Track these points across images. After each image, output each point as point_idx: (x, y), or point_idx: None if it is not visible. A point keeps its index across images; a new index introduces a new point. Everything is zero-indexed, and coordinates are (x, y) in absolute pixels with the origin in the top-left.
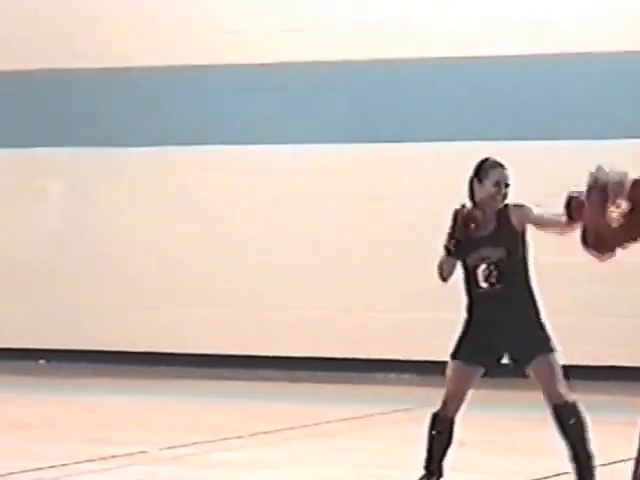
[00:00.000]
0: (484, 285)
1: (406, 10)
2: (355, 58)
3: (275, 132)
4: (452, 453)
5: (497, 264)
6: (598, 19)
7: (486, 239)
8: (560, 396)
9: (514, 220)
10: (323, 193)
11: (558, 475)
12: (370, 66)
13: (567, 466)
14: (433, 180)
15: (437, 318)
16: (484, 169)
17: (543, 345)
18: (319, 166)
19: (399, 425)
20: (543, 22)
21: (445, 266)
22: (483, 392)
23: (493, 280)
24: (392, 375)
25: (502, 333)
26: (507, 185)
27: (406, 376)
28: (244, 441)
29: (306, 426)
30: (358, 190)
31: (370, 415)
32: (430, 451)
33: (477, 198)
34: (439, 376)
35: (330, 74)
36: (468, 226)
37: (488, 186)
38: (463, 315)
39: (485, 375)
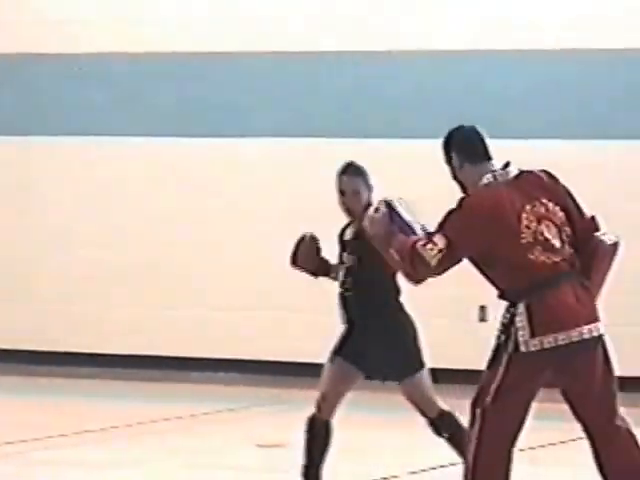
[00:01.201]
0: (340, 289)
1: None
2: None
3: (101, 123)
4: (273, 454)
5: (349, 270)
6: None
7: (348, 243)
8: (434, 409)
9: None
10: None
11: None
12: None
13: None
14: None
15: (266, 318)
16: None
17: (409, 365)
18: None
19: (224, 425)
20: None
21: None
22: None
23: (348, 286)
24: (219, 374)
25: (368, 345)
26: (354, 193)
27: (231, 375)
28: (68, 440)
29: (131, 425)
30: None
31: (194, 415)
32: (309, 456)
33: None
34: (266, 376)
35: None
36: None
37: (338, 196)
38: (300, 314)
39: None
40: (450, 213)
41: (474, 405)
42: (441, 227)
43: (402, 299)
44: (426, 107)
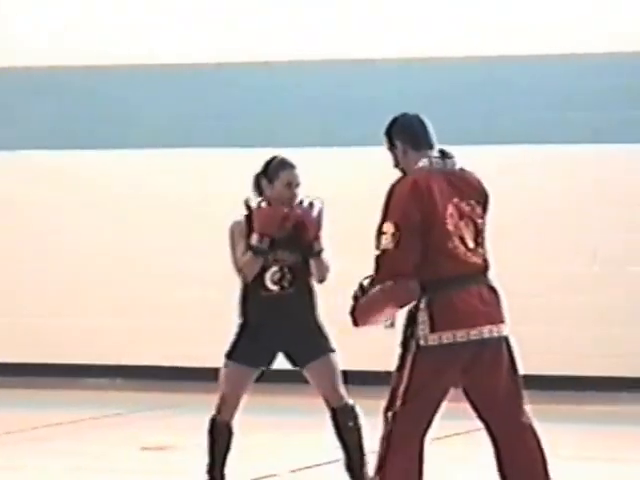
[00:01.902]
0: (273, 288)
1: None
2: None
3: None
4: (158, 456)
5: (291, 268)
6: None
7: (283, 241)
8: (339, 399)
9: (316, 212)
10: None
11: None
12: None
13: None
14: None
15: (151, 324)
16: (273, 169)
17: (322, 346)
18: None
19: (108, 429)
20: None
21: (252, 267)
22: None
23: (285, 284)
24: (103, 380)
25: (282, 335)
26: (297, 185)
27: (117, 381)
28: None
29: (10, 432)
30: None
31: (81, 420)
32: (212, 457)
33: (266, 197)
34: (150, 381)
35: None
36: (284, 225)
37: (278, 187)
38: (183, 321)
39: (259, 379)
40: (386, 202)
41: (386, 409)
42: (385, 215)
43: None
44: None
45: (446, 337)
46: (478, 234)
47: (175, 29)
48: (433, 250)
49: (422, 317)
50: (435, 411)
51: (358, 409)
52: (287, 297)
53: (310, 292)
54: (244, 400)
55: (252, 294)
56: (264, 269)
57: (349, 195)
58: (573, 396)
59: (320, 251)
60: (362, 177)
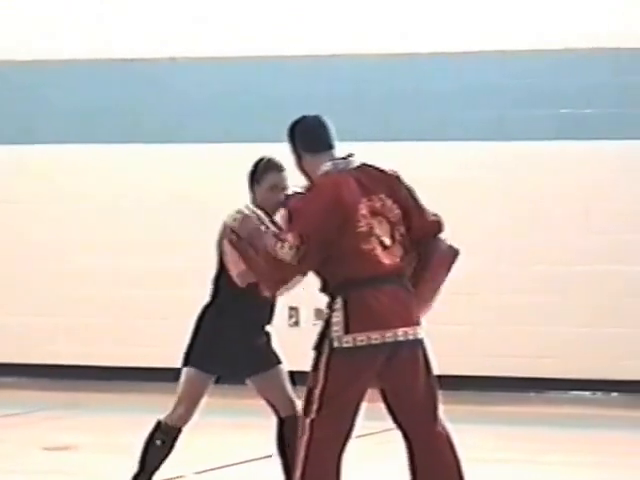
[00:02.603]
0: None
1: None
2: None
3: None
4: (60, 456)
5: None
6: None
7: None
8: (291, 408)
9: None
10: None
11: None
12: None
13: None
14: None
15: (58, 323)
16: (260, 170)
17: (276, 356)
18: None
19: (11, 429)
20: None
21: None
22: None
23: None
24: (8, 379)
25: (243, 342)
26: (284, 189)
27: (21, 379)
28: None
29: None
30: None
31: None
32: (144, 461)
33: (256, 201)
34: (55, 380)
35: None
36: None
37: (263, 190)
38: (92, 319)
39: (217, 382)
40: (295, 209)
41: (304, 413)
42: (290, 224)
43: None
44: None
45: (360, 339)
46: (394, 229)
47: (81, 25)
48: (347, 252)
49: (336, 318)
50: (354, 414)
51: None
52: (267, 302)
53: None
54: (145, 399)
55: (237, 300)
56: None
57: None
58: (480, 396)
59: None
60: None
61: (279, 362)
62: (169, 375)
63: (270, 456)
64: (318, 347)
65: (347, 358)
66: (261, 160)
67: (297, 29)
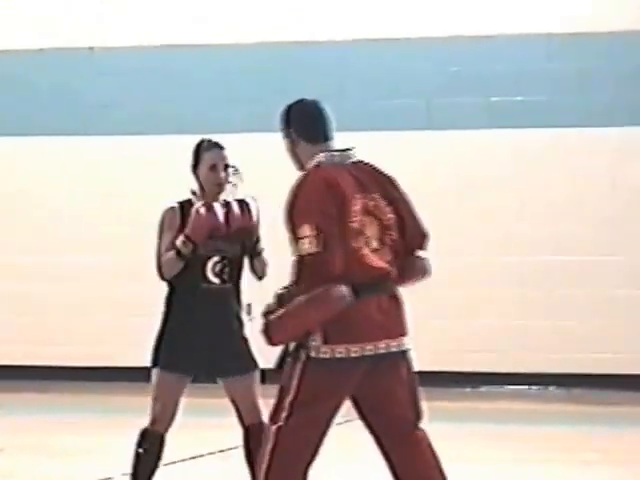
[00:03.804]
0: (214, 280)
1: None
2: None
3: None
4: None
5: (231, 260)
6: None
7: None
8: (256, 416)
9: (255, 215)
10: None
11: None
12: None
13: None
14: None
15: None
16: (197, 152)
17: (251, 360)
18: None
19: None
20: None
21: (171, 267)
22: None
23: (225, 277)
24: None
25: (213, 336)
26: (227, 167)
27: None
28: None
29: None
30: None
31: None
32: (135, 472)
33: (200, 186)
34: None
35: None
36: (215, 235)
37: (203, 170)
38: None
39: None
40: (293, 206)
41: (272, 420)
42: (296, 221)
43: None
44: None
45: (339, 351)
46: (384, 233)
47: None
48: (343, 244)
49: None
50: (326, 427)
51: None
52: (225, 292)
53: (240, 291)
54: (67, 399)
55: (187, 287)
56: (205, 258)
57: None
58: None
59: (262, 251)
60: None
61: (255, 367)
62: (99, 374)
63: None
64: (294, 353)
65: (324, 369)
66: (200, 143)
67: (267, 16)
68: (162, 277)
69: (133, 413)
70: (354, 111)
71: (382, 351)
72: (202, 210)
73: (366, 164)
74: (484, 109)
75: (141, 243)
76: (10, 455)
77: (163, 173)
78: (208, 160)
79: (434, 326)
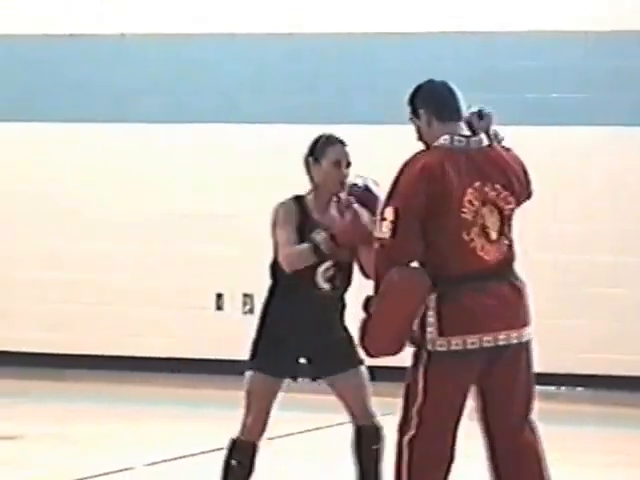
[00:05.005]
0: (324, 286)
1: None
2: None
3: None
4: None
5: (342, 265)
6: None
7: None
8: (369, 417)
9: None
10: None
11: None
12: None
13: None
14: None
15: None
16: (319, 146)
17: (355, 356)
18: None
19: None
20: None
21: (302, 261)
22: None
23: (337, 283)
24: None
25: (315, 340)
26: (349, 164)
27: None
28: None
29: None
30: None
31: None
32: None
33: (317, 181)
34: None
35: None
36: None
37: (326, 166)
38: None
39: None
40: (393, 184)
41: (400, 431)
42: (388, 198)
43: None
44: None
45: (455, 343)
46: (504, 223)
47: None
48: (445, 242)
49: (430, 318)
50: (456, 427)
51: (384, 433)
52: (334, 298)
53: (344, 292)
54: (90, 388)
55: (293, 290)
56: (318, 264)
57: None
58: None
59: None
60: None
61: (360, 363)
62: (113, 363)
63: (221, 449)
64: (415, 354)
65: (444, 366)
66: (319, 137)
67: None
68: (284, 270)
69: (155, 403)
70: (383, 104)
71: (502, 343)
72: (349, 215)
73: (496, 152)
74: (518, 106)
75: (166, 233)
76: (28, 444)
77: (193, 161)
78: (332, 155)
79: None
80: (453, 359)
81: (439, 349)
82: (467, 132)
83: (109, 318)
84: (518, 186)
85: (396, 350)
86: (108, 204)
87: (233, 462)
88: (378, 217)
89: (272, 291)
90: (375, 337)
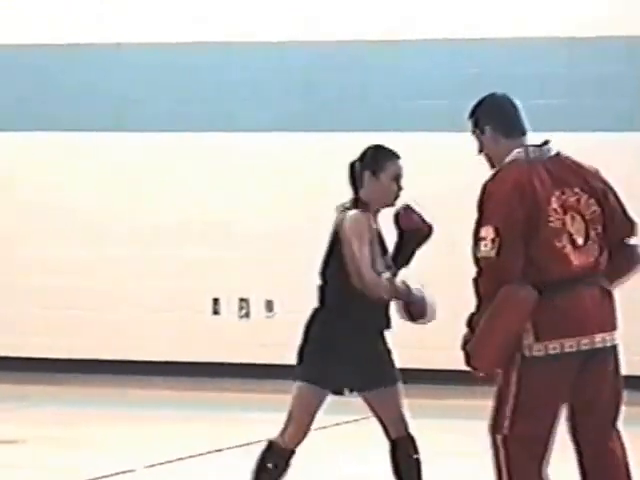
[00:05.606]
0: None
1: None
2: None
3: None
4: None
5: (395, 274)
6: None
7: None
8: (404, 429)
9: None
10: None
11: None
12: None
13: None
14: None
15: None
16: (379, 159)
17: (394, 371)
18: None
19: None
20: None
21: (380, 294)
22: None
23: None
24: None
25: (360, 351)
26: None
27: None
28: None
29: None
30: None
31: None
32: None
33: (371, 195)
34: (5, 372)
35: None
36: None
37: (385, 181)
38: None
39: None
40: (482, 203)
41: (493, 430)
42: (481, 221)
43: None
44: None
45: (552, 347)
46: (589, 228)
47: None
48: (539, 251)
49: (525, 325)
50: (550, 432)
51: (417, 443)
52: (385, 309)
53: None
54: (90, 392)
55: (346, 303)
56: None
57: None
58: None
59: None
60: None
61: (398, 379)
62: (112, 367)
63: (220, 450)
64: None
65: (540, 369)
66: (376, 151)
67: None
68: (334, 279)
69: (154, 406)
70: (377, 111)
71: (598, 345)
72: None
73: (565, 158)
74: None
75: (163, 239)
76: (29, 447)
77: (192, 169)
78: (393, 171)
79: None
80: (549, 363)
81: (536, 354)
82: (533, 144)
83: (108, 323)
84: (597, 183)
85: (502, 365)
86: (107, 211)
87: (269, 465)
88: (473, 237)
89: (322, 302)
90: (485, 354)
